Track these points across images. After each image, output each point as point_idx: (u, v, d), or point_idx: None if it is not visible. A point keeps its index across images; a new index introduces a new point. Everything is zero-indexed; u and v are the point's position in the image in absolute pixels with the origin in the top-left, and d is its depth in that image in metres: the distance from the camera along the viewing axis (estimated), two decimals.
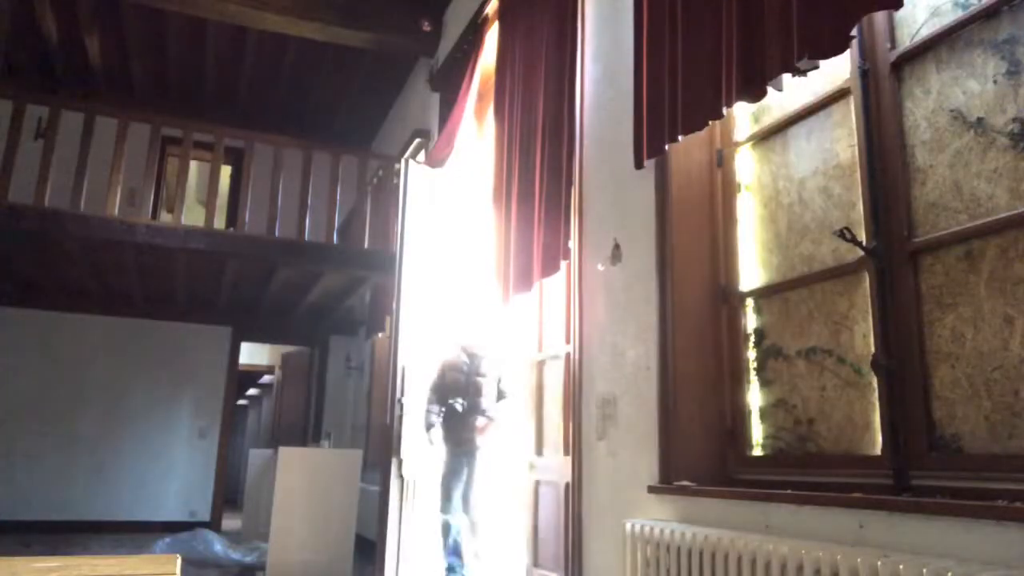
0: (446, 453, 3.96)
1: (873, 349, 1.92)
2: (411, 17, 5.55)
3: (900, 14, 1.94)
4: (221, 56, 6.79)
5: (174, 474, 7.37)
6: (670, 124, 2.33)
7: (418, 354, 4.10)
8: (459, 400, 3.96)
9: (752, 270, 2.45)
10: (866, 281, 1.99)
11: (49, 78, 6.76)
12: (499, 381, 4.08)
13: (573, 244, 3.01)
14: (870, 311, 1.95)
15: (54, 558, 1.62)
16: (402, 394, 4.01)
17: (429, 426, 3.94)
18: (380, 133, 7.72)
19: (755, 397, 2.37)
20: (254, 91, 7.36)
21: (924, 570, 1.42)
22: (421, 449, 3.98)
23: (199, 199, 8.08)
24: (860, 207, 2.01)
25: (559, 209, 3.06)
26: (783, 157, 2.37)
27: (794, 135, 2.33)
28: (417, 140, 5.83)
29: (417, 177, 4.32)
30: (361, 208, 6.01)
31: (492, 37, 4.15)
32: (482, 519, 3.91)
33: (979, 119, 1.74)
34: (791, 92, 2.19)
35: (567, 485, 2.97)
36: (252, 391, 13.65)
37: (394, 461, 3.95)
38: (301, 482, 4.96)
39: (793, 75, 1.91)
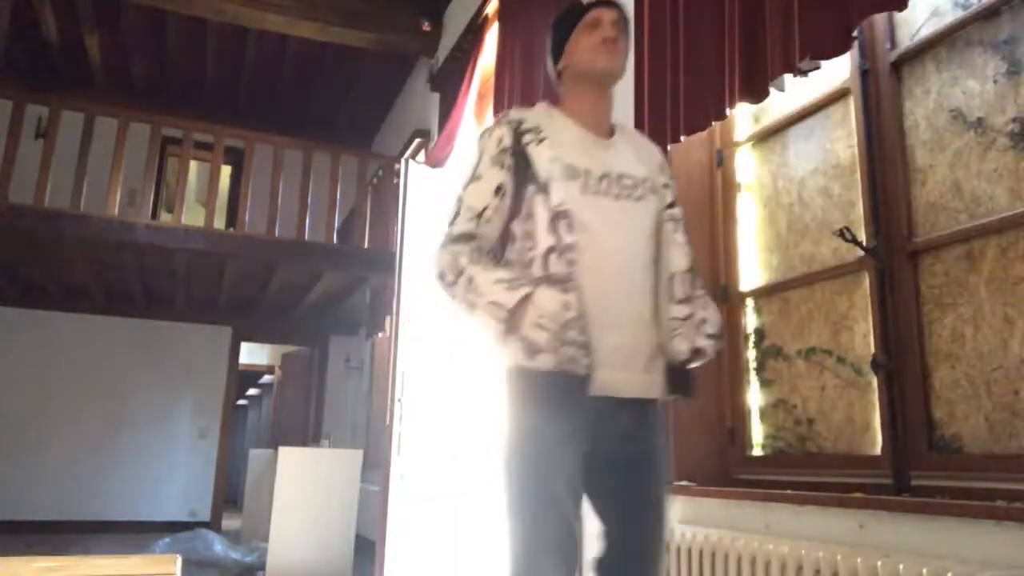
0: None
1: (873, 349, 1.92)
2: (411, 17, 5.55)
3: (900, 14, 1.94)
4: (221, 56, 6.79)
5: (174, 474, 7.37)
6: (672, 124, 2.33)
7: (418, 355, 4.10)
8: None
9: (752, 270, 2.45)
10: (866, 281, 1.99)
11: (49, 78, 6.76)
12: None
13: None
14: (870, 311, 1.95)
15: (54, 558, 1.62)
16: (402, 394, 4.01)
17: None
18: (380, 133, 7.72)
19: (755, 397, 2.37)
20: (254, 91, 7.36)
21: (924, 570, 1.42)
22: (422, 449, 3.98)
23: (199, 199, 8.08)
24: (860, 207, 2.01)
25: None
26: (783, 157, 2.37)
27: (794, 135, 2.33)
28: (417, 140, 5.83)
29: (417, 177, 4.32)
30: (361, 208, 6.01)
31: (492, 37, 4.15)
32: None
33: (979, 119, 1.74)
34: (791, 92, 2.19)
35: None
36: (252, 391, 13.65)
37: (394, 461, 3.95)
38: (301, 482, 4.96)
39: (795, 75, 1.91)
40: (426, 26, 5.52)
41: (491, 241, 1.45)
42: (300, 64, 6.81)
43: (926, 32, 1.89)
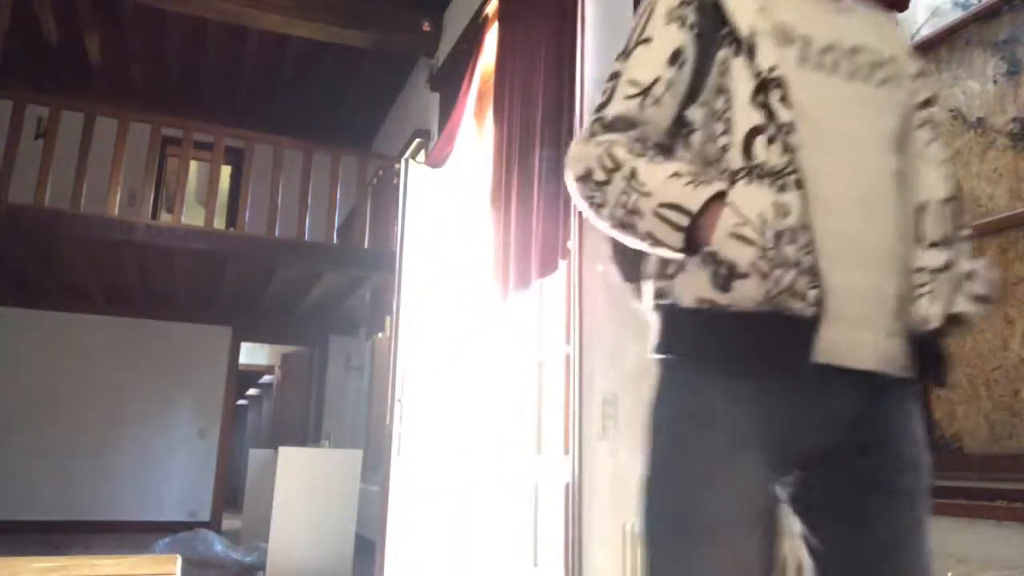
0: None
1: None
2: (411, 17, 5.56)
3: (900, 14, 1.94)
4: (221, 56, 6.79)
5: (174, 474, 7.37)
6: None
7: (418, 355, 4.11)
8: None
9: None
10: None
11: (49, 78, 6.76)
12: None
13: (573, 244, 3.02)
14: None
15: (54, 558, 1.62)
16: (402, 394, 4.02)
17: None
18: (380, 133, 7.72)
19: None
20: (254, 91, 7.36)
21: None
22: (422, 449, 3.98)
23: (199, 199, 8.08)
24: None
25: (557, 209, 3.06)
26: None
27: None
28: (417, 140, 5.83)
29: (417, 177, 4.33)
30: (361, 208, 6.02)
31: (492, 37, 4.15)
32: None
33: (979, 119, 1.74)
34: None
35: (567, 485, 2.97)
36: (252, 391, 13.65)
37: (394, 461, 3.95)
38: (301, 482, 4.96)
39: None
40: (426, 26, 5.52)
41: (659, 132, 0.95)
42: (300, 64, 6.81)
43: (926, 32, 1.89)
